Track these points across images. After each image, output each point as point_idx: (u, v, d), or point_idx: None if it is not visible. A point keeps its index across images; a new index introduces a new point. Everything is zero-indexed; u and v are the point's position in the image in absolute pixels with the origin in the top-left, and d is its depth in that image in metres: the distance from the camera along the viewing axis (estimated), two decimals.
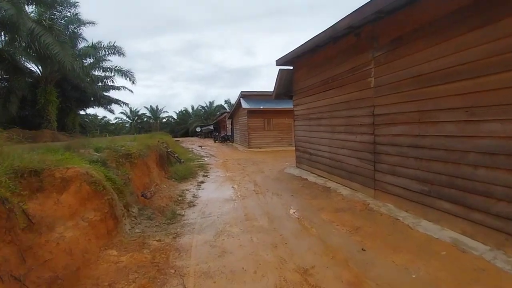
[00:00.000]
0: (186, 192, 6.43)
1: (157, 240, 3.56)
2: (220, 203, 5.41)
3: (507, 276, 2.58)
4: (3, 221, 2.11)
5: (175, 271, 2.89)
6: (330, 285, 2.59)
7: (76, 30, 15.88)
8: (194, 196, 6.06)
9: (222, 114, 32.04)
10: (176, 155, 10.30)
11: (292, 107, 9.19)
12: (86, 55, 16.44)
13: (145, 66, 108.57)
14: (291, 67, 8.84)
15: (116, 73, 17.81)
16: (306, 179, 7.33)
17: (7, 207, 2.16)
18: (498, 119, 2.99)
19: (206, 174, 8.90)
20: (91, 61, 17.02)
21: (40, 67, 14.91)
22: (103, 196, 3.41)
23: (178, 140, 23.61)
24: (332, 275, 2.75)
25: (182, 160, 10.43)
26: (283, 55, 8.24)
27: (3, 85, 14.50)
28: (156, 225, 4.16)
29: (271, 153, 14.89)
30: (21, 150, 3.31)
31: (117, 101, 21.36)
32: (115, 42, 17.15)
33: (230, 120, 26.80)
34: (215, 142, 26.26)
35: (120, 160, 4.99)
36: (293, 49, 7.54)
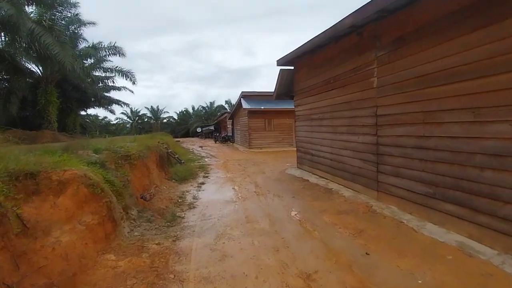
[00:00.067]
0: (186, 193, 6.36)
1: (156, 244, 3.49)
2: (220, 205, 5.34)
3: None
4: None
5: (174, 276, 2.82)
6: None
7: (76, 31, 15.85)
8: (194, 197, 5.99)
9: (222, 114, 31.99)
10: (176, 156, 10.24)
11: (293, 107, 9.12)
12: (86, 55, 16.39)
13: (145, 66, 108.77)
14: (292, 67, 8.77)
15: (116, 74, 17.77)
16: (308, 180, 7.25)
17: (0, 211, 2.09)
18: (505, 120, 2.92)
19: (206, 175, 8.83)
20: (92, 62, 16.98)
21: (40, 68, 14.89)
22: (101, 199, 3.34)
23: (179, 141, 23.56)
24: (335, 280, 2.68)
25: (182, 161, 10.36)
26: (284, 55, 8.18)
27: (3, 86, 14.47)
28: (155, 228, 4.09)
29: (272, 154, 14.81)
30: (17, 151, 3.25)
31: (117, 102, 21.37)
32: (115, 42, 17.15)
33: (231, 120, 26.74)
34: (215, 143, 26.20)
35: (119, 161, 4.93)
36: (294, 49, 7.47)
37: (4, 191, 2.29)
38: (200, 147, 20.58)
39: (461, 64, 3.34)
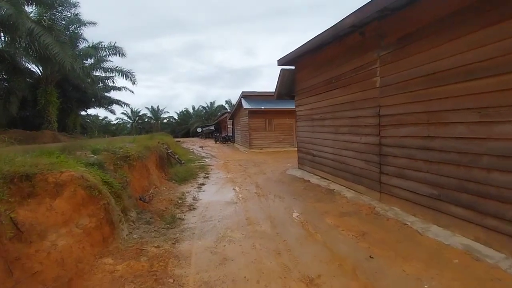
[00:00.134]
0: (187, 194, 6.29)
1: (155, 247, 3.42)
2: (221, 206, 5.27)
3: None
4: None
5: (173, 280, 2.74)
6: None
7: (76, 31, 15.83)
8: (194, 198, 5.92)
9: (223, 114, 31.91)
10: (176, 156, 10.17)
11: (294, 107, 9.04)
12: (86, 55, 16.35)
13: (146, 67, 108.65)
14: (293, 67, 8.69)
15: (116, 74, 17.75)
16: (309, 181, 7.17)
17: None
18: None
19: (207, 175, 8.76)
20: (92, 62, 16.94)
21: (40, 68, 14.85)
22: (99, 201, 3.27)
23: (179, 141, 23.48)
24: (339, 285, 2.60)
25: (182, 161, 10.30)
26: (284, 54, 8.10)
27: (3, 86, 14.42)
28: (154, 230, 4.01)
29: (273, 154, 14.73)
30: (13, 153, 3.18)
31: (118, 102, 21.34)
32: (115, 42, 17.07)
33: (231, 120, 26.66)
34: (216, 143, 26.12)
35: (118, 162, 4.85)
36: (295, 48, 7.39)
37: None
38: (200, 147, 20.50)
39: (467, 63, 3.26)
